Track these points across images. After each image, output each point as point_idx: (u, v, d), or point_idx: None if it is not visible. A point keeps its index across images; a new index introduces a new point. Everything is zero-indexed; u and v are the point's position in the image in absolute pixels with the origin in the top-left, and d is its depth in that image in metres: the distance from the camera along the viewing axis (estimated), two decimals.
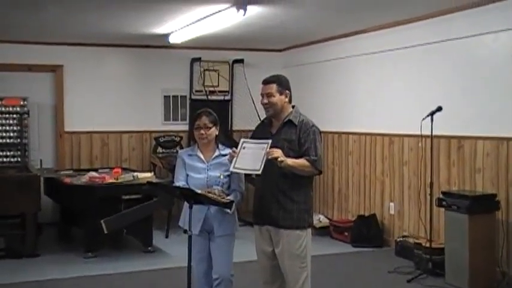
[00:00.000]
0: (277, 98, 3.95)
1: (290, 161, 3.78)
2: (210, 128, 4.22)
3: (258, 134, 4.08)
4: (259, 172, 3.74)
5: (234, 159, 3.86)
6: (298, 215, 3.92)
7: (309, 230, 4.01)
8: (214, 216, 4.18)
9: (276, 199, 3.91)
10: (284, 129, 3.95)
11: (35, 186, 6.86)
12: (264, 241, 4.05)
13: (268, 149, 3.73)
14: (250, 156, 3.80)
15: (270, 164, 3.74)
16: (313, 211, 4.13)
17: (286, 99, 3.99)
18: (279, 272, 4.03)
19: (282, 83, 3.99)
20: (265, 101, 3.96)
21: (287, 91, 4.00)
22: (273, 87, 3.95)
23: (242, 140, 3.96)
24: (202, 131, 4.20)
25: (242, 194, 4.22)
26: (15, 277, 6.04)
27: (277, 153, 3.73)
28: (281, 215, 3.90)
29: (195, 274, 4.25)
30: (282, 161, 3.72)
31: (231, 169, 3.92)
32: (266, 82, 4.00)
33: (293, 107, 4.04)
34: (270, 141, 3.79)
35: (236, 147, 3.98)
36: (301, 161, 3.83)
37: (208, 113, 4.27)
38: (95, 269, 6.38)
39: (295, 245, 3.91)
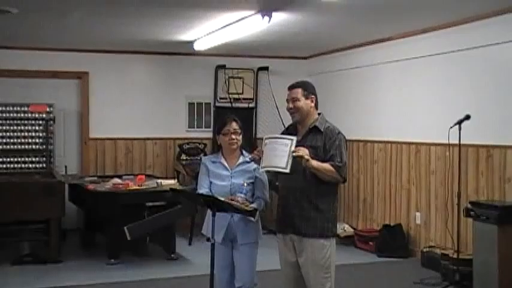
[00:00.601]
0: (303, 103, 3.90)
1: (315, 163, 3.71)
2: (239, 133, 4.19)
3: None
4: (288, 171, 3.67)
5: (261, 160, 3.79)
6: (322, 223, 3.85)
7: (333, 240, 3.94)
8: (238, 224, 4.13)
9: (300, 207, 3.85)
10: (310, 136, 3.89)
11: (59, 192, 6.88)
12: (288, 251, 3.99)
13: (293, 147, 3.66)
14: (275, 152, 3.72)
15: (296, 170, 3.68)
16: (337, 221, 4.05)
17: (312, 104, 3.93)
18: (302, 282, 3.96)
19: (308, 88, 3.94)
20: (291, 105, 3.91)
21: (313, 96, 3.94)
22: (299, 92, 3.91)
23: (264, 137, 3.89)
24: (233, 136, 4.16)
25: (266, 201, 4.17)
26: (38, 283, 6.05)
27: (303, 151, 3.67)
28: (305, 223, 3.84)
29: (218, 282, 4.19)
30: (307, 160, 3.64)
31: (260, 170, 3.87)
32: (292, 87, 3.97)
33: (319, 114, 3.98)
34: (294, 138, 3.73)
35: None
36: (326, 165, 3.76)
37: (236, 119, 4.24)
38: (117, 275, 6.37)
39: (319, 254, 3.84)
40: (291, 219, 3.88)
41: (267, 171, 4.02)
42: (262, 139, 8.82)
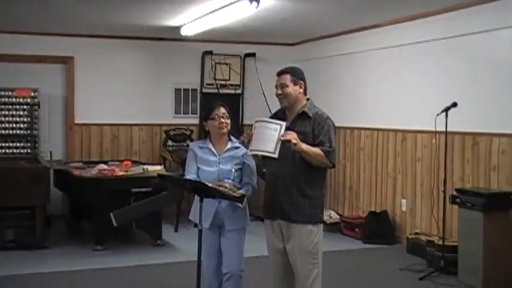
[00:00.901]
0: (291, 89, 3.87)
1: (304, 146, 3.69)
2: (228, 118, 4.17)
3: None
4: (276, 156, 3.65)
5: (250, 143, 3.76)
6: (310, 210, 3.85)
7: (321, 226, 3.94)
8: (225, 210, 4.12)
9: (288, 193, 3.84)
10: (298, 121, 3.87)
11: (44, 178, 6.83)
12: (276, 237, 3.98)
13: (283, 131, 3.65)
14: (263, 137, 3.69)
15: (285, 156, 3.68)
16: (324, 207, 4.05)
17: (301, 90, 3.91)
18: (290, 268, 3.96)
19: (296, 74, 3.92)
20: (279, 91, 3.89)
21: (301, 82, 3.92)
22: (287, 78, 3.88)
23: (255, 120, 3.85)
24: (222, 120, 4.14)
25: (254, 187, 4.16)
26: (23, 269, 6.01)
27: (291, 135, 3.65)
28: (293, 209, 3.83)
29: (205, 269, 4.18)
30: (295, 144, 3.63)
31: (249, 153, 3.83)
32: (280, 73, 3.94)
33: (308, 99, 3.97)
34: (284, 123, 3.71)
35: None
36: (316, 149, 3.74)
37: (223, 105, 4.22)
38: (103, 262, 6.35)
39: (307, 241, 3.84)
40: (279, 206, 3.87)
41: (255, 156, 4.01)
42: (248, 125, 8.81)
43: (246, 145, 3.84)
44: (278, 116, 4.00)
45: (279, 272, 4.03)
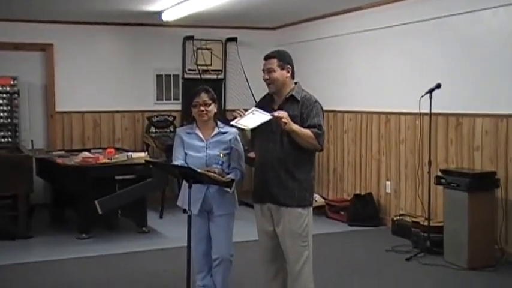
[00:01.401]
0: (279, 73, 3.85)
1: (295, 126, 3.69)
2: (210, 104, 4.12)
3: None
4: (248, 128, 3.69)
5: (239, 117, 3.74)
6: (299, 193, 3.84)
7: (311, 209, 3.95)
8: (214, 195, 4.11)
9: (277, 176, 3.82)
10: (286, 105, 3.85)
11: (27, 167, 6.74)
12: (265, 220, 3.98)
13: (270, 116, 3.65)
14: (254, 119, 3.69)
15: (273, 139, 3.67)
16: (313, 190, 4.05)
17: (288, 75, 3.88)
18: (280, 251, 3.97)
19: (283, 58, 3.89)
20: (266, 76, 3.86)
21: (289, 66, 3.89)
22: (274, 62, 3.85)
23: (254, 108, 3.82)
24: (202, 108, 4.10)
25: (242, 172, 4.14)
26: (7, 259, 5.93)
27: (284, 113, 3.64)
28: (282, 192, 3.82)
29: (194, 254, 4.18)
30: (285, 123, 3.62)
31: (232, 122, 3.79)
32: (267, 57, 3.90)
33: (295, 83, 3.94)
34: (273, 118, 3.68)
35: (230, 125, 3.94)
36: (306, 130, 3.74)
37: (206, 90, 4.17)
38: (88, 250, 6.29)
39: (297, 223, 3.84)
40: (269, 189, 3.86)
41: (243, 139, 4.02)
42: (231, 110, 8.82)
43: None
44: (266, 99, 4.00)
45: (269, 255, 4.03)
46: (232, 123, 3.78)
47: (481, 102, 5.98)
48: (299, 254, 3.87)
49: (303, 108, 3.81)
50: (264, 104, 3.97)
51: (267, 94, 4.02)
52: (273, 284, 4.06)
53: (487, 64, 5.92)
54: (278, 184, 3.83)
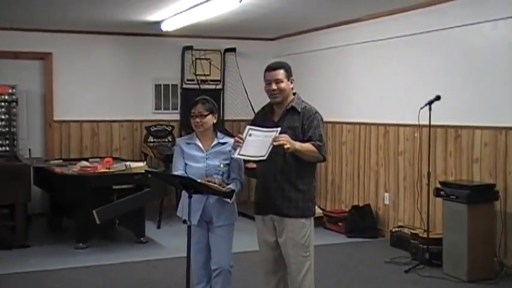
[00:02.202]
0: (286, 84, 3.86)
1: (298, 145, 3.68)
2: (206, 115, 4.11)
3: (259, 121, 3.94)
4: (265, 158, 3.63)
5: (239, 147, 3.73)
6: (303, 204, 3.85)
7: (312, 219, 3.96)
8: (214, 206, 4.09)
9: (280, 188, 3.83)
10: (287, 116, 3.86)
11: (25, 176, 6.72)
12: (267, 231, 3.97)
13: (276, 135, 3.63)
14: (257, 144, 3.68)
15: (276, 151, 3.66)
16: (315, 200, 4.06)
17: (292, 86, 3.91)
18: (281, 262, 3.96)
19: (288, 69, 3.91)
20: (274, 87, 3.84)
21: (292, 77, 3.92)
22: (282, 73, 3.85)
23: (248, 127, 3.83)
24: (197, 119, 4.10)
25: (242, 183, 4.14)
26: (4, 268, 5.90)
27: (284, 139, 3.63)
28: (286, 204, 3.83)
29: (194, 265, 4.15)
30: (288, 148, 3.62)
31: (235, 155, 3.78)
32: (274, 68, 3.88)
33: (294, 94, 3.95)
34: (279, 129, 3.68)
35: (230, 136, 3.92)
36: (308, 145, 3.75)
37: (204, 101, 4.16)
38: (86, 260, 6.27)
39: (300, 234, 3.84)
40: (273, 201, 3.86)
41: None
42: (229, 121, 8.78)
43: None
44: (266, 111, 3.99)
45: (270, 265, 4.02)
46: (237, 156, 3.77)
47: (480, 115, 5.98)
48: (301, 264, 3.87)
49: (304, 119, 3.82)
50: (263, 116, 3.97)
51: (266, 105, 4.01)
52: None
53: (487, 76, 5.94)
54: (282, 196, 3.83)
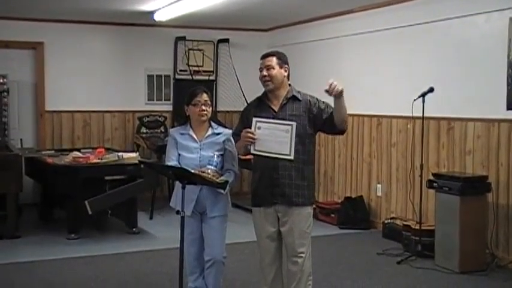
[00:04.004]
0: (277, 71, 3.85)
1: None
2: (209, 105, 4.12)
3: (256, 111, 3.89)
4: (292, 157, 3.67)
5: (252, 143, 3.72)
6: (309, 191, 3.90)
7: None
8: (207, 196, 4.08)
9: (289, 176, 3.81)
10: (288, 105, 3.86)
11: (16, 166, 6.68)
12: (268, 223, 3.94)
13: (294, 133, 3.63)
14: (273, 138, 3.67)
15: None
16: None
17: (286, 74, 3.90)
18: (279, 253, 4.00)
19: (282, 57, 3.91)
20: (265, 73, 3.84)
21: (286, 66, 3.92)
22: (273, 60, 3.86)
23: (255, 119, 3.77)
24: (203, 107, 4.08)
25: (236, 173, 4.13)
26: None
27: (338, 87, 3.66)
28: (294, 191, 3.83)
29: (186, 256, 4.13)
30: (341, 91, 3.68)
31: (252, 151, 3.76)
32: (266, 55, 3.91)
33: (289, 85, 3.95)
34: (294, 123, 3.69)
35: (223, 126, 3.97)
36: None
37: (206, 91, 4.17)
38: (78, 250, 6.24)
39: (306, 222, 3.89)
40: (280, 189, 3.83)
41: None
42: (222, 112, 8.73)
43: (243, 145, 3.79)
44: (262, 101, 3.95)
45: (269, 257, 4.00)
46: (257, 153, 3.74)
47: (473, 107, 5.99)
48: (303, 251, 3.90)
49: (311, 104, 3.86)
50: (260, 106, 3.93)
51: (262, 95, 3.98)
52: (273, 285, 4.04)
53: (480, 68, 5.94)
54: (289, 184, 3.83)
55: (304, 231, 3.87)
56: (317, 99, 3.90)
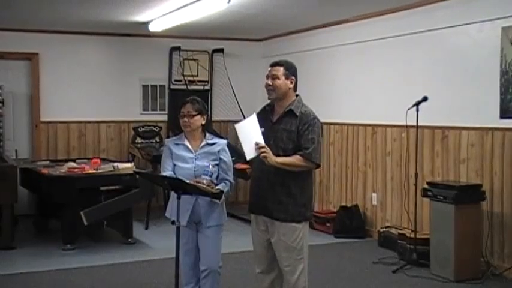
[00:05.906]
0: (282, 82, 3.82)
1: (279, 160, 3.67)
2: (194, 116, 4.10)
3: (259, 121, 3.82)
4: (247, 159, 3.73)
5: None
6: (294, 208, 3.78)
7: (306, 223, 3.89)
8: (203, 206, 4.09)
9: (273, 190, 3.78)
10: (285, 118, 3.82)
11: (11, 177, 6.67)
12: (260, 231, 3.94)
13: (256, 123, 3.69)
14: (250, 139, 3.68)
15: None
16: (312, 204, 4.00)
17: (291, 86, 3.85)
18: (275, 261, 3.92)
19: (290, 68, 3.87)
20: (269, 82, 3.82)
21: (293, 77, 3.87)
22: (280, 70, 3.83)
23: (235, 126, 3.80)
24: (186, 119, 4.10)
25: (231, 183, 4.14)
26: None
27: (265, 151, 3.64)
28: (276, 206, 3.78)
29: (182, 266, 4.14)
30: (265, 157, 3.63)
31: (248, 158, 3.77)
32: (274, 64, 3.87)
33: (297, 95, 3.91)
34: (253, 114, 3.75)
35: (218, 136, 3.98)
36: (291, 159, 3.70)
37: (194, 101, 4.16)
38: (74, 261, 6.23)
39: (291, 237, 3.79)
40: (263, 203, 3.82)
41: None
42: (217, 121, 8.74)
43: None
44: (266, 111, 3.94)
45: (264, 264, 3.98)
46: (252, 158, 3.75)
47: (467, 115, 6.03)
48: (294, 267, 3.83)
49: (300, 124, 3.76)
50: (264, 116, 3.90)
51: (267, 105, 3.97)
52: None
53: (473, 77, 5.98)
54: (273, 198, 3.78)
55: (291, 246, 3.78)
56: (310, 122, 3.77)
